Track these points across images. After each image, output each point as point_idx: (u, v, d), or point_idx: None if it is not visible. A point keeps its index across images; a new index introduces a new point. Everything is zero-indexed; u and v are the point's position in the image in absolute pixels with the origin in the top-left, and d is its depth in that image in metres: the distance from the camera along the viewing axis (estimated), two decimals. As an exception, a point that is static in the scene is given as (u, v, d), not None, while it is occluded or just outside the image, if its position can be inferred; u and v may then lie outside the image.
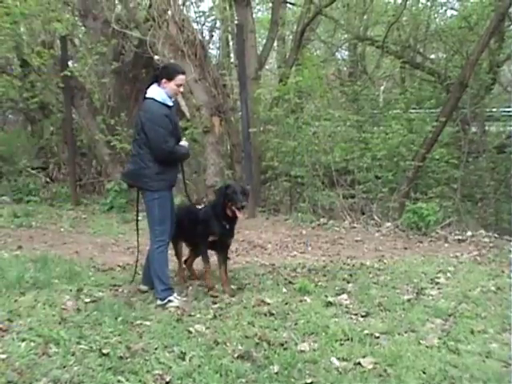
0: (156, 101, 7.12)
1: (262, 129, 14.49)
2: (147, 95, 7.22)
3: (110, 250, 10.49)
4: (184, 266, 8.50)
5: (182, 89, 7.34)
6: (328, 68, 21.36)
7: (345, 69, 23.59)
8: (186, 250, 8.48)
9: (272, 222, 13.12)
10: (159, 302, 7.19)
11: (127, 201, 14.34)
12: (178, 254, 8.41)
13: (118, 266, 9.17)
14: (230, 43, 20.80)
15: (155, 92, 7.17)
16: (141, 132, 7.14)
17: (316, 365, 5.47)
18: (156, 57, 14.29)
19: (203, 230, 7.82)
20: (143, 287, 7.73)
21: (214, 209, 7.80)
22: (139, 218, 7.85)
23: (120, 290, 7.87)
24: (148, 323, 6.51)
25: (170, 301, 7.19)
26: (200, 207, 8.32)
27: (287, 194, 14.36)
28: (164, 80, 7.16)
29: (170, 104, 7.22)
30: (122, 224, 12.79)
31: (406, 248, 10.68)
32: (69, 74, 15.48)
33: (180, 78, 7.21)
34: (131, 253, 10.03)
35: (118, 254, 10.22)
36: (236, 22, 15.47)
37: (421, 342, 6.04)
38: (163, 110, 7.09)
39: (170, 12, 14.02)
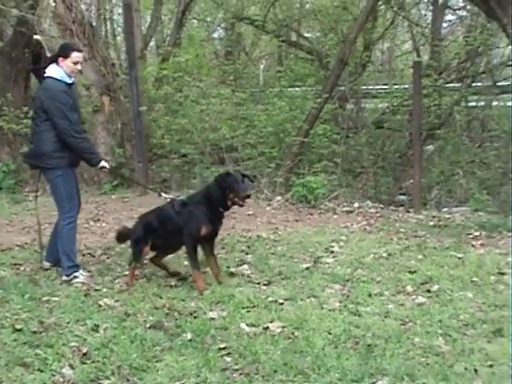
0: (54, 78, 7.20)
1: (154, 108, 14.56)
2: (46, 74, 7.28)
3: (4, 231, 10.27)
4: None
5: (79, 66, 7.38)
6: (207, 47, 21.47)
7: (221, 48, 23.67)
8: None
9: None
10: (65, 278, 7.25)
11: (16, 182, 14.06)
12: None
13: (17, 245, 9.08)
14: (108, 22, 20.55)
15: (53, 70, 7.23)
16: (39, 110, 7.24)
17: (227, 331, 5.68)
18: (36, 36, 14.07)
19: (192, 224, 7.06)
20: (46, 264, 7.76)
21: (208, 198, 7.09)
22: (30, 198, 7.80)
23: (22, 268, 7.87)
24: (56, 299, 6.59)
25: (75, 277, 7.25)
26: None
27: (177, 171, 14.44)
28: (61, 58, 7.22)
29: (69, 81, 7.30)
30: (14, 205, 12.36)
31: (297, 220, 10.96)
32: None
33: (76, 56, 7.26)
34: (27, 232, 9.92)
35: (13, 233, 10.04)
36: (124, 1, 15.37)
37: (323, 306, 6.31)
38: (61, 87, 7.18)
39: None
